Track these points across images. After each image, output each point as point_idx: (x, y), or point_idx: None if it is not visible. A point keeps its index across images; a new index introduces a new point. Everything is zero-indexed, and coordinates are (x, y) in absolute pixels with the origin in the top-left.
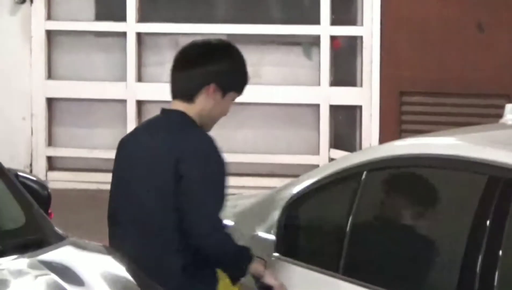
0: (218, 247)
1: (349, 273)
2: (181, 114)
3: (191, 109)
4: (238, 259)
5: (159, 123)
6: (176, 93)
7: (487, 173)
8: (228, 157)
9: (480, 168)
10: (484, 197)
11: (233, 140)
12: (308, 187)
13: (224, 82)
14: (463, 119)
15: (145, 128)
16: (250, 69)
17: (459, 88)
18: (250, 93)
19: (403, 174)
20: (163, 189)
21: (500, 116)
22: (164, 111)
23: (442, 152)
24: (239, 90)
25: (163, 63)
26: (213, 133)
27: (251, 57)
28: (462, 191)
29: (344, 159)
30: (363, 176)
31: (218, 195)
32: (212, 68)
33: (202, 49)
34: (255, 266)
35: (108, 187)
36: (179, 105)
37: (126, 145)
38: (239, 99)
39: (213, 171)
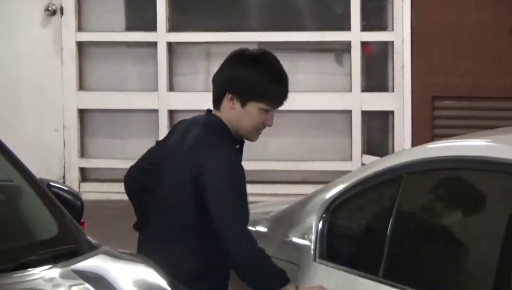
0: (247, 260)
1: (390, 277)
2: (219, 119)
3: (221, 116)
4: (268, 276)
5: (195, 124)
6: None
7: None
8: (262, 165)
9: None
10: None
11: (267, 148)
12: (346, 190)
13: (238, 91)
14: (496, 123)
15: (183, 127)
16: None
17: (491, 92)
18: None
19: (442, 176)
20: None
21: None
22: (207, 111)
23: (479, 154)
24: (260, 100)
25: (195, 72)
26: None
27: (283, 65)
28: (500, 193)
29: (380, 162)
30: (403, 179)
31: (240, 204)
32: (228, 76)
33: (229, 56)
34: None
35: None
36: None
37: (162, 144)
38: None
39: (228, 176)
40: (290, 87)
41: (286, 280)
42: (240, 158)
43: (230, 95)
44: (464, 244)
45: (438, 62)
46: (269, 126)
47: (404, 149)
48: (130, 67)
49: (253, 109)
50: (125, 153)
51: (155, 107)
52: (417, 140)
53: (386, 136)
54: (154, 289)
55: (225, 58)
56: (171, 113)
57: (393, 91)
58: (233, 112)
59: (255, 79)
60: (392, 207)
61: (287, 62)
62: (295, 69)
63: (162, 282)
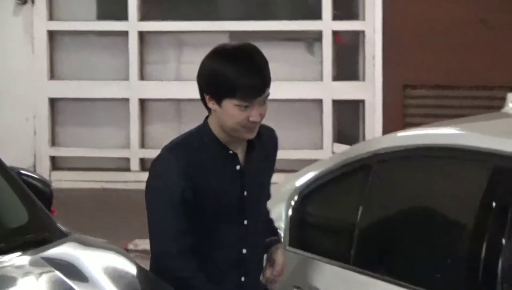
0: (167, 274)
1: (359, 264)
2: (201, 125)
3: (211, 118)
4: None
5: None
6: None
7: (491, 162)
8: None
9: (484, 157)
10: (489, 186)
11: None
12: (317, 179)
13: (211, 90)
14: (466, 112)
15: None
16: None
17: (462, 81)
18: None
19: (411, 165)
20: None
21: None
22: None
23: (447, 142)
24: (232, 96)
25: (166, 61)
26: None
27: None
28: (467, 180)
29: (351, 151)
30: (373, 167)
31: (159, 212)
32: (200, 76)
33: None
34: None
35: (112, 185)
36: None
37: None
38: None
39: (151, 184)
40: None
41: None
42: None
43: (208, 96)
44: (434, 231)
45: (409, 51)
46: (256, 121)
47: (375, 137)
48: (101, 56)
49: (229, 106)
50: (95, 142)
51: (126, 96)
52: (387, 128)
53: (357, 125)
54: (124, 276)
55: None
56: (142, 102)
57: (364, 80)
58: (216, 114)
59: (223, 73)
60: (362, 195)
61: None
62: (266, 57)
63: (132, 269)
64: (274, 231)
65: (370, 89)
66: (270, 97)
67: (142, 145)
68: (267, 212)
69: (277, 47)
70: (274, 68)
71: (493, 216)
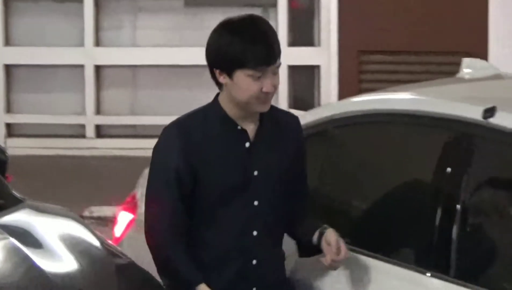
0: (151, 252)
1: None
2: (210, 103)
3: (222, 95)
4: (167, 272)
5: None
6: None
7: (446, 128)
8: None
9: (439, 123)
10: (445, 152)
11: (195, 101)
12: None
13: (221, 64)
14: (422, 77)
15: None
16: (209, 32)
17: (417, 46)
18: None
19: (367, 130)
20: None
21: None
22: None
23: (402, 108)
24: (243, 66)
25: (121, 27)
26: (173, 94)
27: (215, 19)
28: (423, 146)
29: (307, 116)
30: (329, 133)
31: (153, 191)
32: (209, 52)
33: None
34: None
35: (67, 152)
36: None
37: None
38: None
39: (152, 160)
40: None
41: (190, 286)
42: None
43: (218, 71)
44: (390, 197)
45: (365, 17)
46: (269, 92)
47: (330, 102)
48: (57, 22)
49: (242, 78)
50: (51, 108)
51: (82, 62)
52: (343, 94)
53: (312, 90)
54: (79, 242)
55: None
56: (98, 68)
57: (319, 45)
58: (228, 88)
59: (232, 44)
60: (318, 160)
61: (218, 17)
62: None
63: (87, 235)
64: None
65: (325, 54)
66: None
67: (98, 111)
68: (304, 209)
69: (235, 12)
70: None
71: (450, 181)
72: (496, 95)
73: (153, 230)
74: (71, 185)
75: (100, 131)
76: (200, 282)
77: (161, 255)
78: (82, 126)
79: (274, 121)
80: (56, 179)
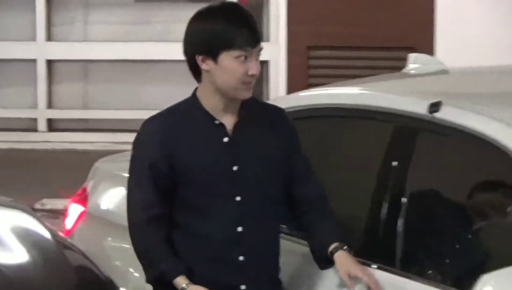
0: (133, 245)
1: None
2: (189, 97)
3: (201, 88)
4: (146, 264)
5: None
6: None
7: (393, 121)
8: (139, 114)
9: (385, 117)
10: (391, 144)
11: (144, 96)
12: None
13: (205, 48)
14: (369, 72)
15: None
16: (159, 28)
17: (365, 42)
18: (161, 50)
19: (314, 124)
20: None
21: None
22: None
23: (348, 102)
24: (230, 47)
25: (73, 22)
26: (124, 88)
27: (163, 15)
28: (369, 139)
29: None
30: None
31: (132, 185)
32: (190, 39)
33: (188, 22)
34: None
35: (19, 145)
36: None
37: None
38: (150, 56)
39: (131, 156)
40: (168, 37)
41: (169, 276)
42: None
43: (200, 57)
44: (337, 190)
45: (313, 12)
46: (255, 74)
47: (278, 96)
48: (9, 16)
49: (228, 60)
50: (3, 102)
51: (34, 57)
52: (292, 88)
53: (261, 85)
54: (31, 234)
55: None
56: (49, 62)
57: (268, 41)
58: (211, 75)
59: (217, 27)
60: None
61: (167, 12)
62: (172, 18)
63: (38, 227)
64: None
65: (274, 50)
66: (177, 57)
67: (49, 105)
68: (319, 196)
69: (184, 8)
70: (181, 28)
71: (395, 174)
72: (442, 90)
73: (133, 223)
74: (23, 178)
75: (52, 125)
76: (179, 274)
77: (141, 247)
78: (34, 120)
79: (256, 114)
80: (8, 172)
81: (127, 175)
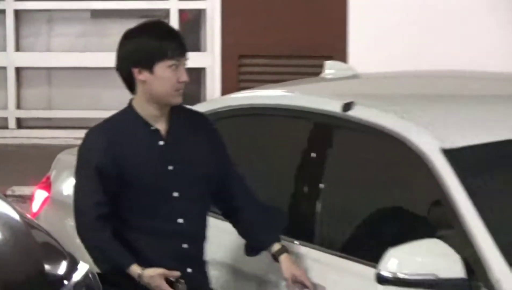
0: (83, 243)
1: None
2: (124, 108)
3: (136, 99)
4: (103, 262)
5: None
6: None
7: (311, 119)
8: (96, 113)
9: (305, 115)
10: (310, 139)
11: (100, 98)
12: None
13: (141, 60)
14: (293, 77)
15: None
16: (113, 40)
17: (290, 51)
18: (113, 59)
19: (243, 122)
20: None
21: None
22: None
23: (273, 102)
24: (164, 57)
25: (38, 34)
26: (83, 92)
27: (114, 29)
28: (291, 136)
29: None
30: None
31: (79, 187)
32: (125, 53)
33: (120, 39)
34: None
35: None
36: None
37: None
38: (105, 64)
39: (77, 159)
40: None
41: (122, 266)
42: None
43: (136, 69)
44: (264, 180)
45: (245, 25)
46: (185, 80)
47: (214, 98)
48: None
49: (162, 70)
50: None
51: (4, 65)
52: (225, 92)
53: (199, 89)
54: (1, 216)
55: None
56: (18, 69)
57: (205, 50)
58: (147, 85)
59: (151, 41)
60: None
61: (117, 27)
62: (123, 31)
63: (8, 209)
64: (269, 224)
65: (210, 58)
66: None
67: (18, 106)
68: (244, 193)
69: (132, 22)
70: None
71: (314, 164)
72: (354, 92)
73: (81, 222)
74: None
75: (21, 123)
76: (131, 263)
77: (92, 245)
78: (5, 119)
79: (183, 120)
80: None
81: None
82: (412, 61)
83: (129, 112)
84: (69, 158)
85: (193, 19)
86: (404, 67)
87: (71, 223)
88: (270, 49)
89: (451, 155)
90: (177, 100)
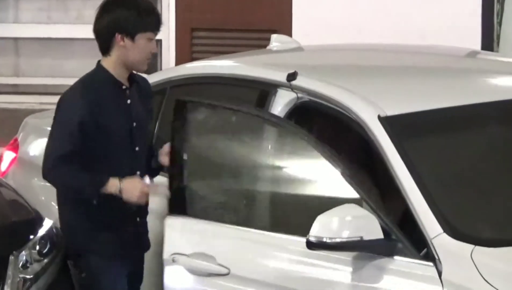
0: (57, 183)
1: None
2: (96, 68)
3: (107, 60)
4: (82, 188)
5: None
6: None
7: (258, 87)
8: (59, 81)
9: (253, 84)
10: (256, 104)
11: (63, 67)
12: None
13: (126, 29)
14: (241, 50)
15: None
16: (74, 14)
17: (239, 25)
18: (75, 30)
19: (197, 90)
20: None
21: None
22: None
23: (223, 72)
24: (146, 29)
25: (7, 8)
26: (45, 60)
27: (76, 3)
28: (241, 100)
29: (150, 78)
30: (167, 91)
31: (56, 138)
32: (113, 20)
33: (104, 5)
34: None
35: None
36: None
37: None
38: (67, 35)
39: (57, 117)
40: (82, 20)
41: (101, 183)
42: (113, 97)
43: (119, 36)
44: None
45: (197, 1)
46: (155, 52)
47: (168, 67)
48: None
49: (142, 40)
50: None
51: None
52: (179, 63)
53: (156, 59)
54: None
55: (100, 7)
56: None
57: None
58: (124, 50)
59: (139, 13)
60: (158, 113)
61: (79, 2)
62: (85, 6)
63: None
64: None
65: (165, 31)
66: (87, 36)
67: None
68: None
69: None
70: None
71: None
72: (297, 63)
73: (51, 165)
74: None
75: None
76: (107, 179)
77: (64, 181)
78: None
79: (136, 82)
80: None
81: (50, 128)
82: (356, 35)
83: (101, 73)
84: (36, 122)
85: None
86: (347, 41)
87: (37, 181)
88: (221, 23)
89: (388, 122)
90: (145, 67)
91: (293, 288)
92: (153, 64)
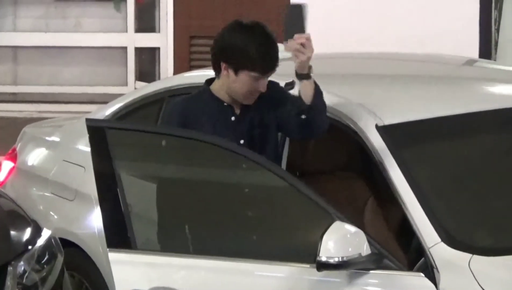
0: None
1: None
2: (206, 85)
3: (216, 82)
4: None
5: None
6: None
7: None
8: (57, 89)
9: None
10: None
11: (62, 75)
12: (122, 108)
13: (231, 61)
14: None
15: None
16: (72, 21)
17: None
18: (74, 39)
19: None
20: None
21: None
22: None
23: None
24: (251, 69)
25: (5, 16)
26: (43, 69)
27: (75, 11)
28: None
29: (149, 87)
30: (165, 100)
31: None
32: (221, 46)
33: (226, 27)
34: None
35: None
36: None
37: None
38: (65, 43)
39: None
40: (80, 28)
41: None
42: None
43: (224, 65)
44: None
45: (195, 8)
46: (262, 91)
47: (167, 77)
48: None
49: (245, 77)
50: None
51: None
52: (177, 71)
53: (154, 67)
54: None
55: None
56: None
57: (159, 32)
58: (228, 79)
59: (246, 50)
60: (156, 122)
61: (77, 9)
62: (83, 14)
63: None
64: None
65: (163, 39)
66: (87, 44)
67: None
68: None
69: (91, 6)
70: (89, 22)
71: None
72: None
73: None
74: None
75: None
76: None
77: None
78: None
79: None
80: None
81: (49, 138)
82: (355, 43)
83: (206, 93)
84: (34, 131)
85: (148, 1)
86: (347, 49)
87: (35, 191)
88: (219, 30)
89: (385, 131)
90: (248, 102)
91: None
92: (152, 72)
